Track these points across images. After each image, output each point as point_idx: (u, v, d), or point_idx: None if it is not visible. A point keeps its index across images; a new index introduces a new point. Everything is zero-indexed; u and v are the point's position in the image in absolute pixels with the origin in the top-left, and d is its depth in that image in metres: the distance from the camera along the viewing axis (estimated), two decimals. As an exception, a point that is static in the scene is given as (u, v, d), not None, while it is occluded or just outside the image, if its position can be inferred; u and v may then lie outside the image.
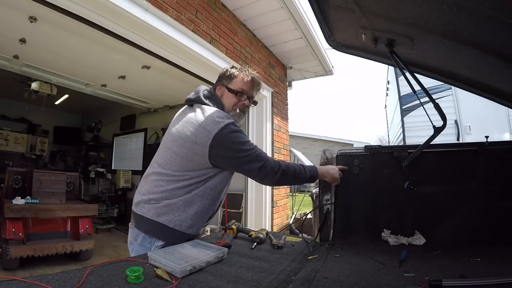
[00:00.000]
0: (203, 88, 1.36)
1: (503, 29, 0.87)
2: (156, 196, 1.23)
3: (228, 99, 1.34)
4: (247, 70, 1.37)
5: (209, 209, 1.32)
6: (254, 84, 1.36)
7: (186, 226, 1.24)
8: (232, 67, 1.40)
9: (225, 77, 1.37)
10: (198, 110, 1.26)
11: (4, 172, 3.53)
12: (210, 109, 1.25)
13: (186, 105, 1.36)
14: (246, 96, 1.35)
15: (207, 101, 1.30)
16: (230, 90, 1.33)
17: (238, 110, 1.35)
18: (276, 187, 4.06)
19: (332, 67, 4.63)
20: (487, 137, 1.54)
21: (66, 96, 5.70)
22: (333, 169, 1.48)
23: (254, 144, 1.27)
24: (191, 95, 1.35)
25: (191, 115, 1.25)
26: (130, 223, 1.33)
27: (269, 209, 3.89)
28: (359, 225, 1.64)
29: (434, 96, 1.49)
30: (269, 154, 3.94)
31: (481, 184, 1.50)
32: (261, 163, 1.22)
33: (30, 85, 4.07)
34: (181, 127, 1.24)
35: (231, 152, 1.20)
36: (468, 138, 4.67)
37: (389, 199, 1.63)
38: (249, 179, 4.00)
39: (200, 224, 1.31)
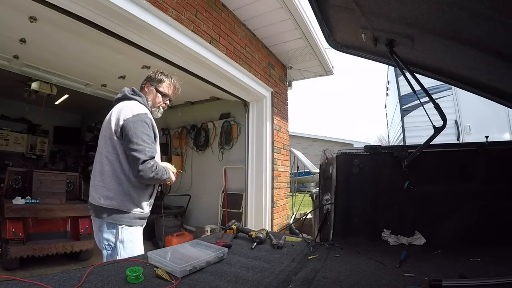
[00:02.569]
0: (127, 89, 1.63)
1: (503, 29, 0.87)
2: None
3: (155, 98, 1.66)
4: (172, 78, 1.72)
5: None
6: (175, 91, 1.73)
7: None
8: (161, 72, 1.70)
9: (155, 80, 1.67)
10: (123, 104, 1.55)
11: (4, 172, 3.53)
12: (133, 103, 1.54)
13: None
14: (168, 98, 1.69)
15: (133, 97, 1.58)
16: (158, 91, 1.66)
17: (160, 108, 1.68)
18: (276, 187, 4.07)
19: (332, 67, 4.63)
20: (487, 137, 1.54)
21: (66, 96, 5.70)
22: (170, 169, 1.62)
23: (151, 142, 1.47)
24: (118, 95, 1.63)
25: (117, 108, 1.54)
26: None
27: (269, 209, 3.88)
28: (359, 225, 1.64)
29: (434, 96, 1.50)
30: (269, 154, 3.95)
31: (481, 184, 1.50)
32: (146, 158, 1.40)
33: (30, 85, 4.06)
34: (108, 119, 1.54)
35: (130, 136, 1.41)
36: (468, 138, 4.67)
37: (389, 199, 1.63)
38: (249, 179, 4.02)
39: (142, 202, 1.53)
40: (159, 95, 1.65)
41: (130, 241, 1.47)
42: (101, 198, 1.45)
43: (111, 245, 1.46)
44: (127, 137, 1.42)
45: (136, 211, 1.49)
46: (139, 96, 1.60)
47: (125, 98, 1.58)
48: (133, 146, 1.39)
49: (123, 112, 1.48)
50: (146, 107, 1.59)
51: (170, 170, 1.59)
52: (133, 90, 1.63)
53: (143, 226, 1.59)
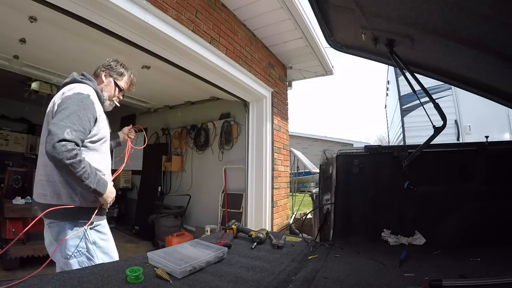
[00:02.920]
0: (76, 73, 1.48)
1: (503, 29, 0.87)
2: None
3: (112, 90, 1.54)
4: (131, 72, 1.62)
5: None
6: (131, 87, 1.66)
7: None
8: (121, 65, 1.59)
9: (115, 72, 1.55)
10: (68, 87, 1.38)
11: (4, 172, 3.53)
12: (80, 85, 1.38)
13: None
14: (123, 92, 1.60)
15: (82, 80, 1.42)
16: (116, 84, 1.56)
17: (114, 101, 1.57)
18: (277, 187, 4.07)
19: (332, 67, 4.63)
20: (487, 137, 1.54)
21: (66, 96, 5.69)
22: (112, 194, 1.40)
23: (81, 126, 1.22)
24: (66, 79, 1.47)
25: (61, 90, 1.41)
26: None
27: (269, 209, 3.88)
28: (359, 225, 1.64)
29: (434, 96, 1.49)
30: (269, 154, 3.94)
31: (481, 184, 1.50)
32: (67, 138, 1.14)
33: (30, 85, 4.06)
34: (51, 104, 1.38)
35: (59, 111, 1.22)
36: (468, 138, 4.67)
37: (389, 199, 1.63)
38: (249, 179, 4.02)
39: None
40: (116, 88, 1.55)
41: (102, 240, 1.36)
42: (48, 194, 1.28)
43: (81, 250, 1.27)
44: (56, 112, 1.22)
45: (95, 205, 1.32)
46: (90, 80, 1.45)
47: (73, 82, 1.41)
48: (55, 120, 1.17)
49: (65, 92, 1.32)
50: (97, 92, 1.43)
51: (107, 186, 1.31)
52: (82, 74, 1.47)
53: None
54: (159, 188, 5.11)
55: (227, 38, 3.07)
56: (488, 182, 1.48)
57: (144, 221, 4.50)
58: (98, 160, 1.39)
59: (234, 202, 4.29)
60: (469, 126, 4.77)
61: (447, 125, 1.42)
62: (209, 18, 2.77)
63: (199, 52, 2.62)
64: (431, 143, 1.49)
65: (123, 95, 1.62)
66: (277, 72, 4.34)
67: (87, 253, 1.29)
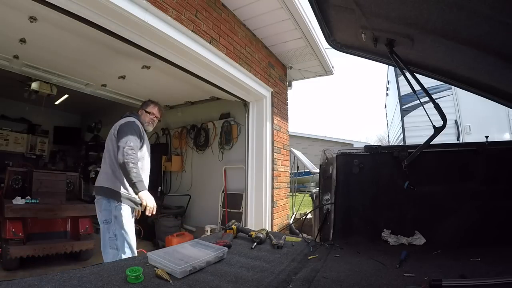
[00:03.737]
0: (128, 113, 2.28)
1: (503, 29, 0.87)
2: None
3: (144, 116, 2.30)
4: (157, 104, 2.39)
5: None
6: (159, 110, 2.38)
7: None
8: (149, 100, 2.39)
9: (144, 105, 2.35)
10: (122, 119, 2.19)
11: (4, 172, 3.53)
12: (127, 118, 2.18)
13: None
14: (154, 116, 2.33)
15: (130, 115, 2.23)
16: (146, 111, 2.31)
17: (150, 123, 2.31)
18: (277, 187, 4.06)
19: (332, 67, 4.63)
20: (487, 137, 1.54)
21: (66, 96, 5.69)
22: (148, 198, 1.89)
23: (134, 139, 2.00)
24: (122, 116, 2.25)
25: (118, 121, 2.18)
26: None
27: (269, 209, 3.88)
28: (359, 225, 1.64)
29: (434, 96, 1.49)
30: (269, 154, 3.95)
31: (481, 184, 1.50)
32: (126, 146, 1.89)
33: (30, 85, 4.06)
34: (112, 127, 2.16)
35: (120, 133, 2.02)
36: (468, 138, 4.67)
37: (389, 199, 1.63)
38: (249, 179, 4.02)
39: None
40: (146, 114, 2.29)
41: (122, 217, 1.95)
42: (100, 180, 2.05)
43: (107, 219, 1.95)
44: (118, 134, 2.02)
45: (124, 191, 2.00)
46: (134, 115, 2.25)
47: (124, 116, 2.23)
48: (120, 139, 1.96)
49: (120, 122, 2.14)
50: (139, 120, 2.21)
51: (145, 189, 1.91)
52: (131, 112, 2.30)
53: (133, 208, 2.08)
54: (159, 188, 5.10)
55: (227, 38, 3.07)
56: (488, 182, 1.48)
57: (144, 221, 4.50)
58: (140, 165, 2.03)
59: (234, 202, 4.29)
60: (469, 126, 4.77)
61: (447, 125, 1.42)
62: (209, 18, 2.77)
63: (199, 52, 2.62)
64: (431, 143, 1.49)
65: (156, 118, 2.35)
66: (277, 72, 4.34)
67: (110, 223, 1.95)
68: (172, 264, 0.94)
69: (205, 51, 2.70)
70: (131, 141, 1.92)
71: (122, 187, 2.00)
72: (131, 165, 1.84)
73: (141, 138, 2.09)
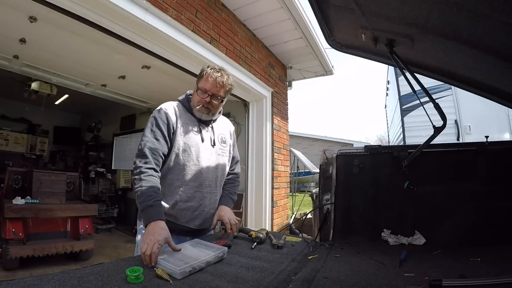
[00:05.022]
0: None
1: (503, 29, 0.87)
2: None
3: (195, 95, 1.46)
4: (214, 69, 1.42)
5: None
6: (216, 84, 1.39)
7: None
8: (207, 66, 1.46)
9: (198, 76, 1.47)
10: None
11: (4, 172, 3.53)
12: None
13: None
14: (207, 94, 1.41)
15: (178, 98, 1.55)
16: (197, 87, 1.44)
17: (201, 106, 1.43)
18: (277, 187, 4.06)
19: (332, 67, 4.63)
20: (487, 137, 1.54)
21: (66, 96, 5.70)
22: (154, 236, 1.06)
23: (152, 136, 1.34)
24: None
25: None
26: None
27: (269, 209, 3.88)
28: (359, 225, 1.64)
29: (434, 96, 1.49)
30: (269, 154, 3.94)
31: (481, 184, 1.50)
32: (138, 149, 1.32)
33: (30, 85, 4.06)
34: None
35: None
36: (468, 138, 4.67)
37: (389, 199, 1.63)
38: (249, 179, 4.02)
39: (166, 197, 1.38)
40: (198, 91, 1.42)
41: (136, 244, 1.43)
42: None
43: (139, 231, 1.41)
44: None
45: None
46: (184, 95, 1.54)
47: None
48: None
49: None
50: (182, 104, 1.49)
51: (151, 219, 1.13)
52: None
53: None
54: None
55: (227, 38, 3.07)
56: (488, 182, 1.48)
57: (144, 221, 4.50)
58: (166, 176, 1.37)
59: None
60: (469, 126, 4.77)
61: (447, 125, 1.42)
62: (209, 18, 2.77)
63: (199, 52, 2.62)
64: (431, 143, 1.49)
65: (212, 96, 1.41)
66: (277, 72, 4.34)
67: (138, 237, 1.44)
68: (172, 265, 0.94)
69: (205, 51, 2.70)
70: (146, 140, 1.32)
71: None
72: (136, 183, 1.22)
73: (169, 134, 1.37)
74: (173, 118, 1.40)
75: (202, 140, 1.44)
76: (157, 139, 1.33)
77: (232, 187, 1.62)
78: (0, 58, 3.29)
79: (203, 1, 2.70)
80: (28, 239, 2.94)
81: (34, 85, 4.04)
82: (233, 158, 1.64)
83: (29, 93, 4.19)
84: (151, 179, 1.23)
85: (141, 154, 1.29)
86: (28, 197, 3.16)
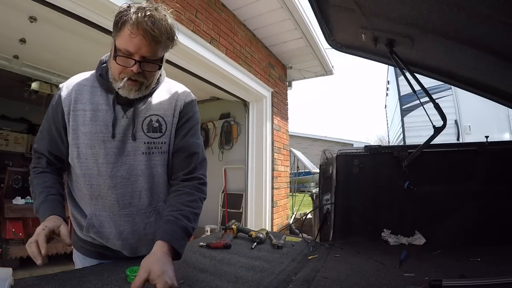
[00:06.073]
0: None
1: (503, 29, 0.87)
2: None
3: (112, 63, 0.89)
4: (143, 11, 0.81)
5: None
6: (147, 36, 0.81)
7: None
8: (130, 7, 0.85)
9: (113, 26, 0.88)
10: None
11: (4, 172, 3.53)
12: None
13: None
14: (133, 59, 0.84)
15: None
16: (114, 49, 0.88)
17: (126, 78, 0.86)
18: (277, 187, 4.06)
19: (332, 67, 4.63)
20: (487, 137, 1.54)
21: (66, 96, 5.69)
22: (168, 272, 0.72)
23: (40, 130, 0.98)
24: None
25: None
26: None
27: (269, 209, 3.88)
28: (359, 225, 1.64)
29: (434, 96, 1.49)
30: (269, 154, 3.94)
31: (481, 184, 1.50)
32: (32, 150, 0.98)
33: (30, 85, 4.06)
34: None
35: None
36: (468, 138, 4.67)
37: (389, 199, 1.63)
38: (249, 179, 4.02)
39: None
40: (116, 55, 0.86)
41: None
42: None
43: None
44: None
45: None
46: (98, 63, 1.03)
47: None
48: None
49: None
50: (94, 78, 0.97)
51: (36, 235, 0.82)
52: None
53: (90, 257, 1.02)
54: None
55: (227, 38, 3.07)
56: (488, 182, 1.48)
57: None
58: (71, 191, 1.01)
59: (234, 202, 4.29)
60: (469, 126, 4.77)
61: (447, 125, 1.42)
62: (209, 18, 2.77)
63: (199, 52, 2.62)
64: (431, 143, 1.49)
65: (137, 63, 0.84)
66: (277, 72, 4.34)
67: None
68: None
69: (205, 51, 2.70)
70: (38, 137, 1.01)
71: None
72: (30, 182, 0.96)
73: (62, 127, 0.93)
74: (65, 103, 0.92)
75: (113, 136, 0.91)
76: (42, 136, 0.98)
77: (182, 202, 0.93)
78: (0, 58, 3.29)
79: (203, 1, 2.70)
80: (28, 239, 2.94)
81: (34, 85, 4.03)
82: (181, 150, 1.00)
83: (29, 93, 4.19)
84: (38, 178, 0.94)
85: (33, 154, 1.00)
86: (28, 197, 3.15)
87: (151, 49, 0.84)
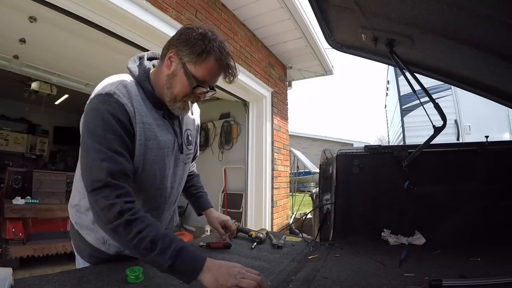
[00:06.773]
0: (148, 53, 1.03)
1: (503, 29, 0.87)
2: None
3: (176, 82, 0.87)
4: (223, 49, 0.86)
5: None
6: (225, 72, 0.90)
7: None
8: (202, 34, 0.84)
9: (190, 50, 0.83)
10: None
11: (4, 172, 3.53)
12: (114, 77, 0.88)
13: None
14: (205, 88, 0.89)
15: (129, 66, 0.95)
16: (186, 71, 0.84)
17: (188, 103, 0.90)
18: (276, 187, 4.06)
19: (332, 67, 4.63)
20: (487, 137, 1.54)
21: (66, 96, 5.70)
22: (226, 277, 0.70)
23: (107, 149, 0.76)
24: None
25: None
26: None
27: (269, 209, 3.88)
28: (359, 225, 1.64)
29: (434, 96, 1.49)
30: (269, 154, 3.94)
31: (481, 184, 1.50)
32: (93, 186, 0.75)
33: (30, 85, 4.07)
34: None
35: (81, 136, 0.81)
36: (468, 138, 4.67)
37: (389, 199, 1.63)
38: (249, 179, 4.03)
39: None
40: (187, 78, 0.84)
41: None
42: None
43: None
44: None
45: None
46: (141, 66, 0.93)
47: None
48: (80, 160, 0.83)
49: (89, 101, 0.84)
50: (139, 84, 0.89)
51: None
52: (148, 56, 0.99)
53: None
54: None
55: (227, 38, 3.07)
56: (488, 182, 1.48)
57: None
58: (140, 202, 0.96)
59: (234, 202, 4.29)
60: (469, 126, 4.77)
61: (447, 125, 1.42)
62: (209, 18, 2.77)
63: (199, 52, 2.62)
64: (431, 143, 1.49)
65: (210, 91, 0.92)
66: (277, 72, 4.34)
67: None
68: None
69: (205, 51, 2.70)
70: (95, 164, 0.76)
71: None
72: (123, 232, 0.73)
73: (129, 140, 0.83)
74: (130, 111, 0.82)
75: (173, 149, 0.95)
76: (109, 156, 0.76)
77: (200, 182, 1.32)
78: (0, 58, 3.29)
79: (203, 1, 2.70)
80: (28, 239, 2.94)
81: (34, 85, 4.04)
82: (195, 158, 1.27)
83: (29, 93, 4.19)
84: (145, 217, 0.75)
85: (104, 185, 0.74)
86: (28, 197, 3.16)
87: (216, 80, 0.93)
